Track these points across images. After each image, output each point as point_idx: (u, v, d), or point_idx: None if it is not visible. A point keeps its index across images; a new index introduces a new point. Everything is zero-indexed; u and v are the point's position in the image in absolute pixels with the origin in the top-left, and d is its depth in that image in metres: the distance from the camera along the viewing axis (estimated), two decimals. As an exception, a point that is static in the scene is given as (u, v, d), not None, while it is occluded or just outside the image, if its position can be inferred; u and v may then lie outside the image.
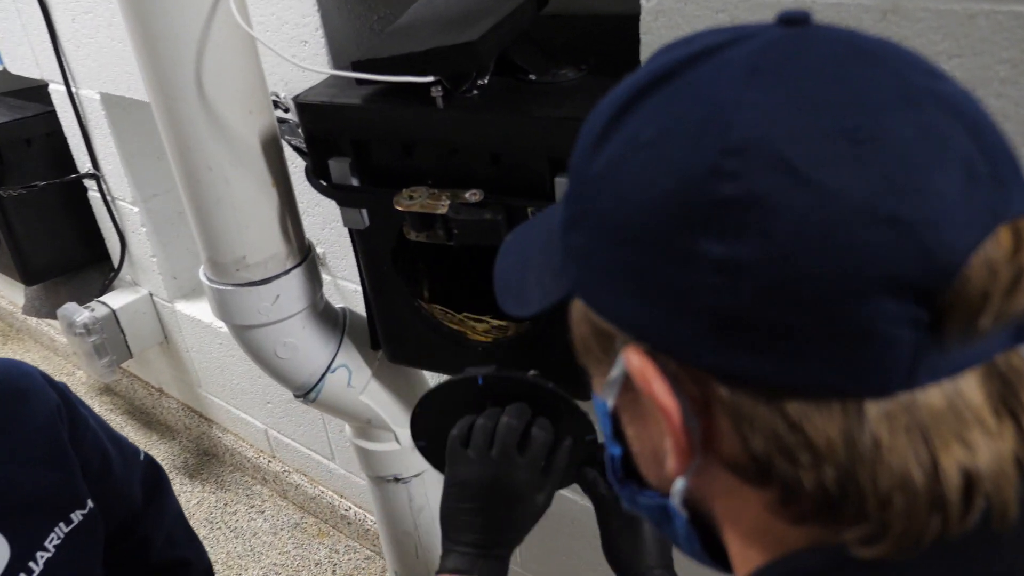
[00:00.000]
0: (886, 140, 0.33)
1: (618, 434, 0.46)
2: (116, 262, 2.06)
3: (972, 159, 0.33)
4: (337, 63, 1.19)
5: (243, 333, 1.10)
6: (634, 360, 0.38)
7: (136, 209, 1.88)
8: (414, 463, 1.29)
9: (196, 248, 1.99)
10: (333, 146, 0.96)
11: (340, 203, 0.98)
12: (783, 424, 0.34)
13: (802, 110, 0.33)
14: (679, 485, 0.41)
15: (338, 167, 0.96)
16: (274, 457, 2.07)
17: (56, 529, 0.94)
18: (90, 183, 1.96)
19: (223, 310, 1.07)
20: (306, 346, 1.12)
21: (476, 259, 1.16)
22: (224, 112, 0.94)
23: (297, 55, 1.22)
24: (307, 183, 1.00)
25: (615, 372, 0.40)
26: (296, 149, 1.12)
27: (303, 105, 0.93)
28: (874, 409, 0.33)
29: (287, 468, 2.03)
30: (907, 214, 0.32)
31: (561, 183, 0.85)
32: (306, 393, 1.16)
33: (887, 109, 0.33)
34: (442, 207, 0.88)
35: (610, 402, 0.43)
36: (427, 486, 1.33)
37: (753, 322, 0.33)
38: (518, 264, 0.50)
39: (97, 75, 1.68)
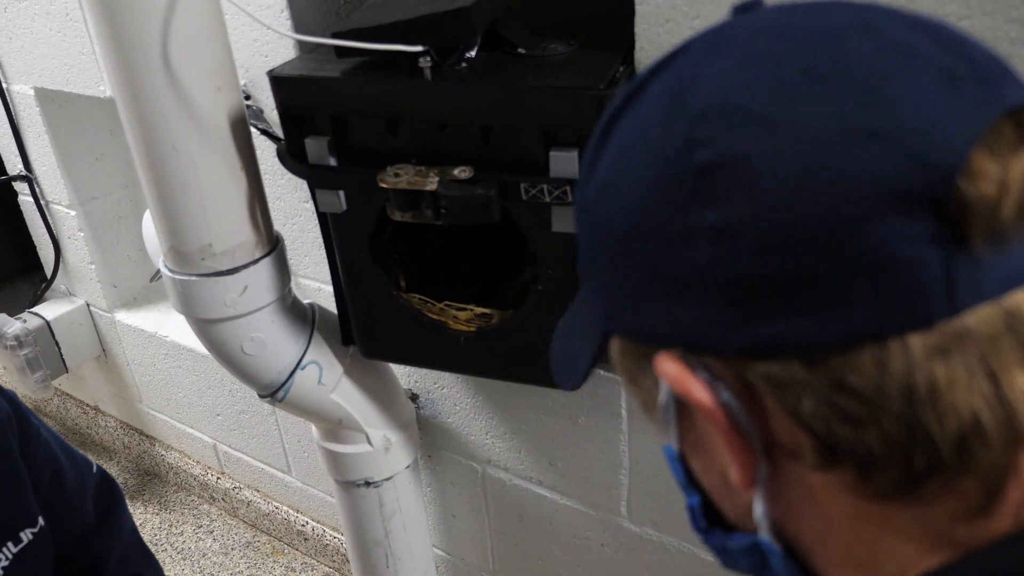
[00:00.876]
0: (846, 65, 0.32)
1: (692, 481, 0.43)
2: (49, 271, 1.93)
3: (947, 64, 0.32)
4: (302, 48, 1.14)
5: (207, 328, 1.03)
6: (667, 367, 0.36)
7: (73, 213, 1.77)
8: (386, 466, 1.23)
9: (138, 255, 1.90)
10: (309, 124, 0.91)
11: (318, 185, 0.92)
12: (828, 384, 0.32)
13: (758, 66, 0.33)
14: (759, 510, 0.38)
15: (315, 146, 0.91)
16: (223, 473, 1.97)
17: (3, 549, 0.87)
18: (21, 186, 1.84)
19: (185, 303, 1.00)
20: (275, 341, 1.06)
21: (455, 245, 1.12)
22: (192, 88, 0.88)
23: (260, 39, 1.16)
24: (271, 173, 0.94)
25: (662, 396, 0.39)
26: (264, 133, 1.07)
27: (279, 79, 0.88)
28: (919, 343, 0.30)
29: (238, 484, 1.93)
30: (886, 124, 0.30)
31: (557, 157, 0.82)
32: (273, 392, 1.09)
33: (844, 41, 0.33)
34: (431, 183, 0.84)
35: (675, 443, 0.41)
36: (399, 490, 1.27)
37: (764, 283, 0.31)
38: (565, 340, 0.49)
39: (32, 68, 1.58)
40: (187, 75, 0.87)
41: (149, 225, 1.62)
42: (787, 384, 0.33)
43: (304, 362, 1.09)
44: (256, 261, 1.00)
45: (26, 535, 0.88)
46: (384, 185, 0.86)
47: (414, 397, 1.35)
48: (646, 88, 0.37)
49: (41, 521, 0.90)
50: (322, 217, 1.00)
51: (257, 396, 1.13)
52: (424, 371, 1.32)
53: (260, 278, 1.01)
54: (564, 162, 0.82)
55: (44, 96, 1.64)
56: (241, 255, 0.99)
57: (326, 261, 1.06)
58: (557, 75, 0.82)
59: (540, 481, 1.30)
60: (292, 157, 0.92)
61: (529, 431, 1.26)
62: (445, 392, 1.32)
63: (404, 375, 1.35)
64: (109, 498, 1.07)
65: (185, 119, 0.89)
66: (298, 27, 1.13)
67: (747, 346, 0.33)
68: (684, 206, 0.33)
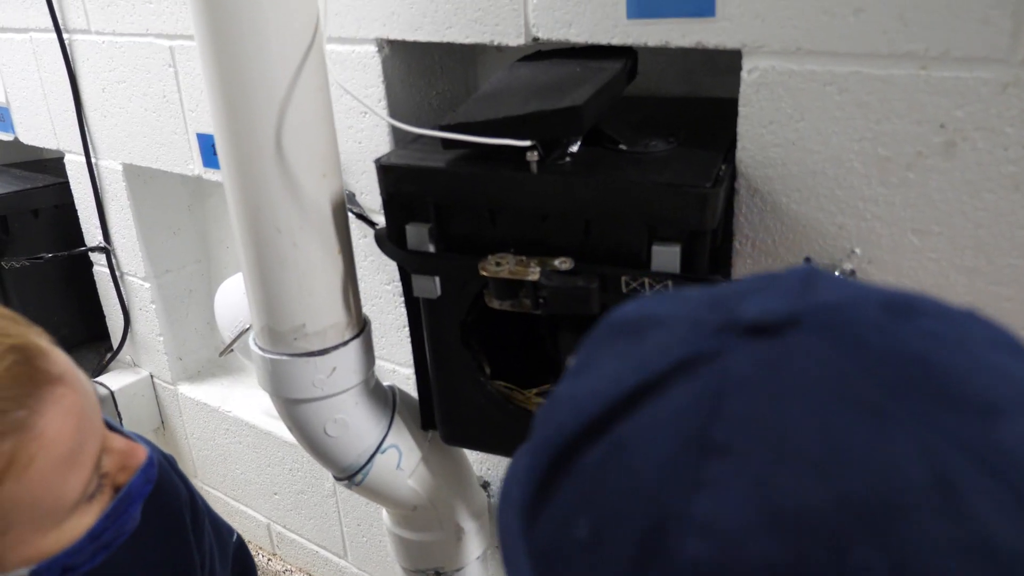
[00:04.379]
0: None
1: None
2: (116, 341, 1.97)
3: None
4: (395, 136, 1.17)
5: (293, 408, 1.03)
6: None
7: (147, 285, 1.81)
8: (458, 556, 1.20)
9: (205, 328, 1.93)
10: (411, 211, 0.93)
11: (416, 270, 0.94)
12: None
13: (775, 535, 0.23)
14: None
15: (416, 233, 0.92)
16: (274, 555, 1.94)
17: None
18: (97, 256, 1.89)
19: (274, 382, 1.01)
20: (357, 424, 1.06)
21: (535, 332, 1.12)
22: (300, 173, 0.91)
23: (355, 126, 1.20)
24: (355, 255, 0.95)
25: None
26: (360, 217, 1.09)
27: (386, 167, 0.90)
28: None
29: (289, 567, 1.90)
30: None
31: (659, 251, 0.83)
32: (352, 475, 1.09)
33: (906, 524, 0.22)
34: (532, 274, 0.85)
35: None
36: (466, 582, 1.24)
37: None
38: None
39: (123, 145, 1.65)
40: (297, 161, 0.90)
41: (222, 299, 1.64)
42: None
43: (385, 446, 1.08)
44: (346, 343, 1.01)
45: None
46: (485, 274, 0.86)
47: (485, 485, 1.32)
48: (614, 431, 0.28)
49: None
50: (413, 302, 1.01)
51: (333, 478, 1.12)
52: (496, 459, 1.30)
53: (348, 360, 1.01)
54: (666, 256, 0.83)
55: (131, 172, 1.70)
56: (332, 336, 1.00)
57: (403, 344, 1.06)
58: (661, 171, 0.83)
59: (611, 578, 1.26)
60: (391, 242, 0.94)
61: (602, 525, 1.22)
62: (515, 481, 1.30)
63: (476, 462, 1.33)
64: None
65: (291, 202, 0.91)
66: (394, 116, 1.17)
67: None
68: None
